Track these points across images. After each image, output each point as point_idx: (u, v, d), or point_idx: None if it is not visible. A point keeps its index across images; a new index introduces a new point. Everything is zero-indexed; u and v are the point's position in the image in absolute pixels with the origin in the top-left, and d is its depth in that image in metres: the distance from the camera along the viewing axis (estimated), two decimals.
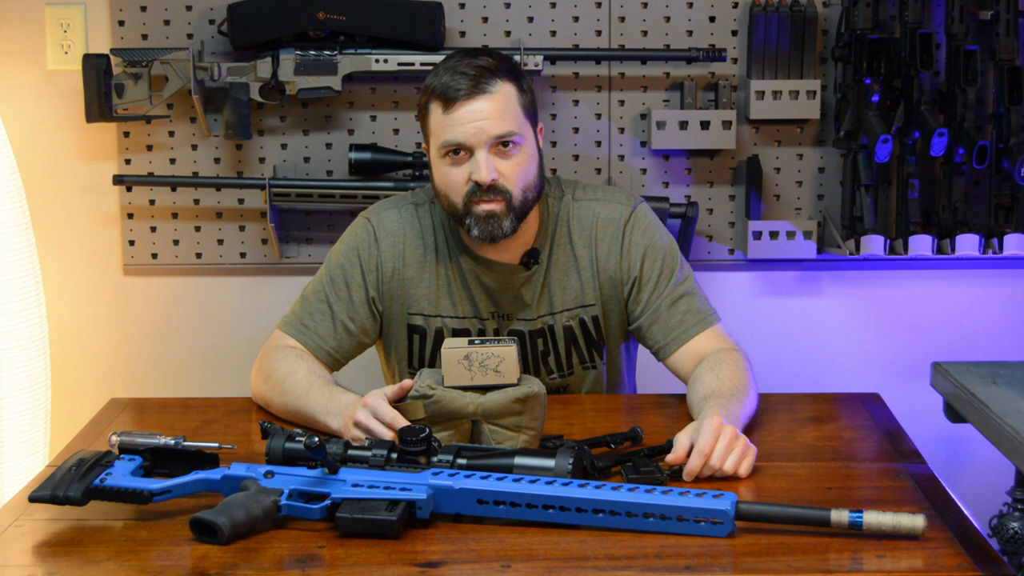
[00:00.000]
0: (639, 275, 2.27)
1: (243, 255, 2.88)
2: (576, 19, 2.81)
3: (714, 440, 1.83)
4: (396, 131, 2.83)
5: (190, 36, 2.79)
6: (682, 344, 2.24)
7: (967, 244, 2.75)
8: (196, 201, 2.85)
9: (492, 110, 2.12)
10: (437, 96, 2.14)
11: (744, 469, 1.84)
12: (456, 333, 2.28)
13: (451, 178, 2.15)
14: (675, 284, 2.27)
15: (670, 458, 1.85)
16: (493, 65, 2.15)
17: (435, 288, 2.27)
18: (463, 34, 2.79)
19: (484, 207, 2.14)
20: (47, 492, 1.71)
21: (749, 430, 2.05)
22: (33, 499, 1.72)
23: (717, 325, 2.27)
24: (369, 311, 2.28)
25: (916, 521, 1.62)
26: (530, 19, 2.80)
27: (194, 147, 2.83)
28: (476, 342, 1.92)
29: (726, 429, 1.85)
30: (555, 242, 2.28)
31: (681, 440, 1.86)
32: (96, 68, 2.68)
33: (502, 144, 2.13)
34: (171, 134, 2.83)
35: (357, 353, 2.32)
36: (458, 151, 2.13)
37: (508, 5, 2.80)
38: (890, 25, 2.74)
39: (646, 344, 2.30)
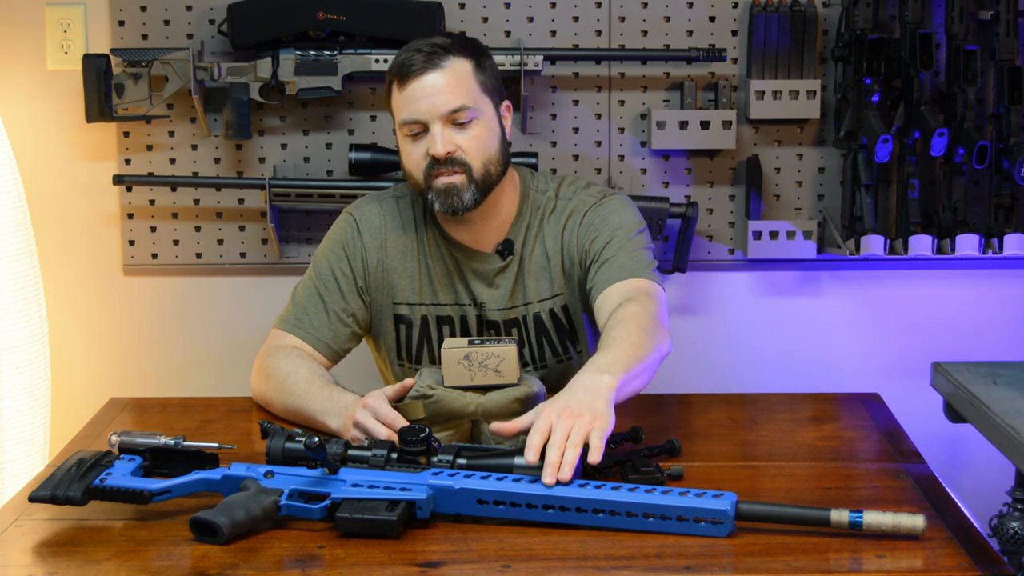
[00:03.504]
0: (597, 240, 2.22)
1: (243, 255, 2.87)
2: (576, 19, 2.80)
3: (547, 426, 1.73)
4: (395, 131, 2.82)
5: (190, 36, 2.78)
6: (601, 291, 2.16)
7: (967, 244, 2.74)
8: (196, 201, 2.85)
9: (444, 84, 2.15)
10: (394, 74, 2.19)
11: (593, 458, 1.72)
12: (440, 321, 2.30)
13: (411, 155, 2.20)
14: (623, 243, 2.20)
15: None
16: (447, 43, 2.20)
17: (418, 277, 2.29)
18: (463, 34, 2.79)
19: (443, 180, 2.17)
20: (47, 492, 1.71)
21: (746, 428, 2.05)
22: (33, 499, 1.72)
23: (645, 280, 2.15)
24: (360, 300, 2.30)
25: (916, 521, 1.62)
26: (530, 19, 2.80)
27: (194, 147, 2.83)
28: (476, 342, 1.92)
29: (562, 417, 1.74)
30: (533, 235, 2.29)
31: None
32: (96, 68, 2.68)
33: (456, 118, 2.15)
34: (171, 134, 2.82)
35: (353, 344, 2.33)
36: (416, 128, 2.17)
37: (508, 5, 2.80)
38: (890, 25, 2.73)
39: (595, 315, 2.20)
